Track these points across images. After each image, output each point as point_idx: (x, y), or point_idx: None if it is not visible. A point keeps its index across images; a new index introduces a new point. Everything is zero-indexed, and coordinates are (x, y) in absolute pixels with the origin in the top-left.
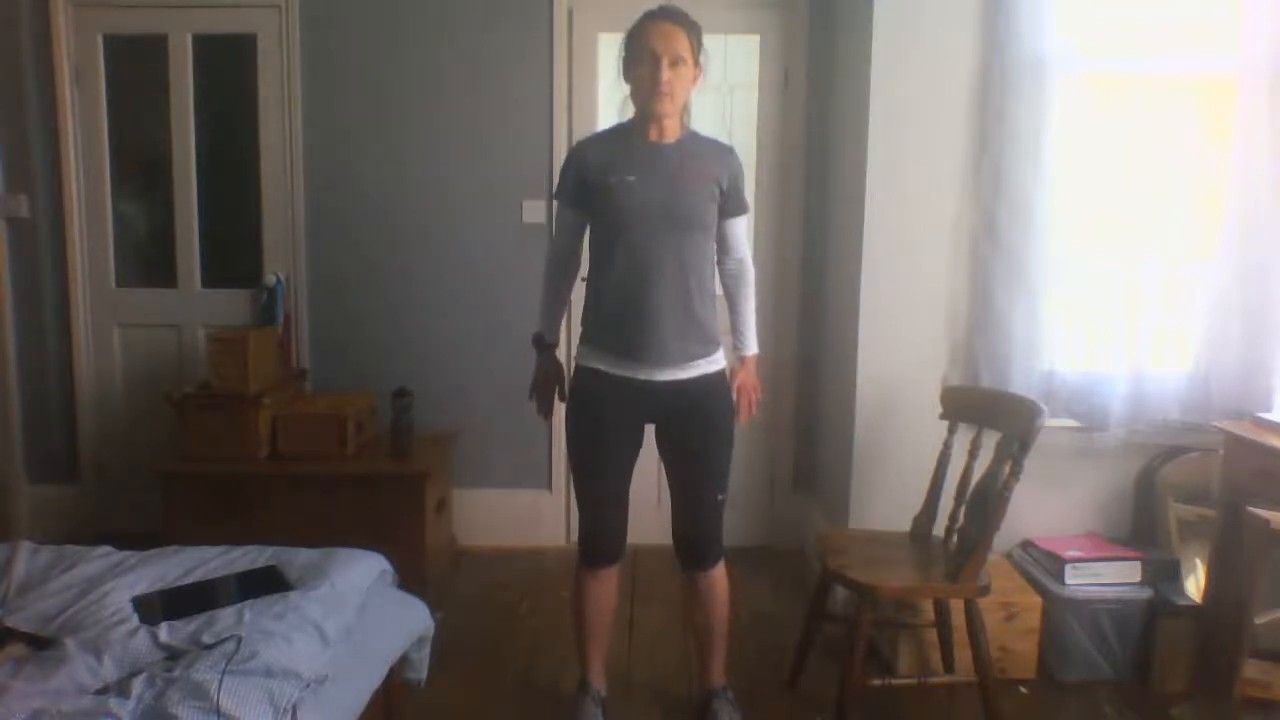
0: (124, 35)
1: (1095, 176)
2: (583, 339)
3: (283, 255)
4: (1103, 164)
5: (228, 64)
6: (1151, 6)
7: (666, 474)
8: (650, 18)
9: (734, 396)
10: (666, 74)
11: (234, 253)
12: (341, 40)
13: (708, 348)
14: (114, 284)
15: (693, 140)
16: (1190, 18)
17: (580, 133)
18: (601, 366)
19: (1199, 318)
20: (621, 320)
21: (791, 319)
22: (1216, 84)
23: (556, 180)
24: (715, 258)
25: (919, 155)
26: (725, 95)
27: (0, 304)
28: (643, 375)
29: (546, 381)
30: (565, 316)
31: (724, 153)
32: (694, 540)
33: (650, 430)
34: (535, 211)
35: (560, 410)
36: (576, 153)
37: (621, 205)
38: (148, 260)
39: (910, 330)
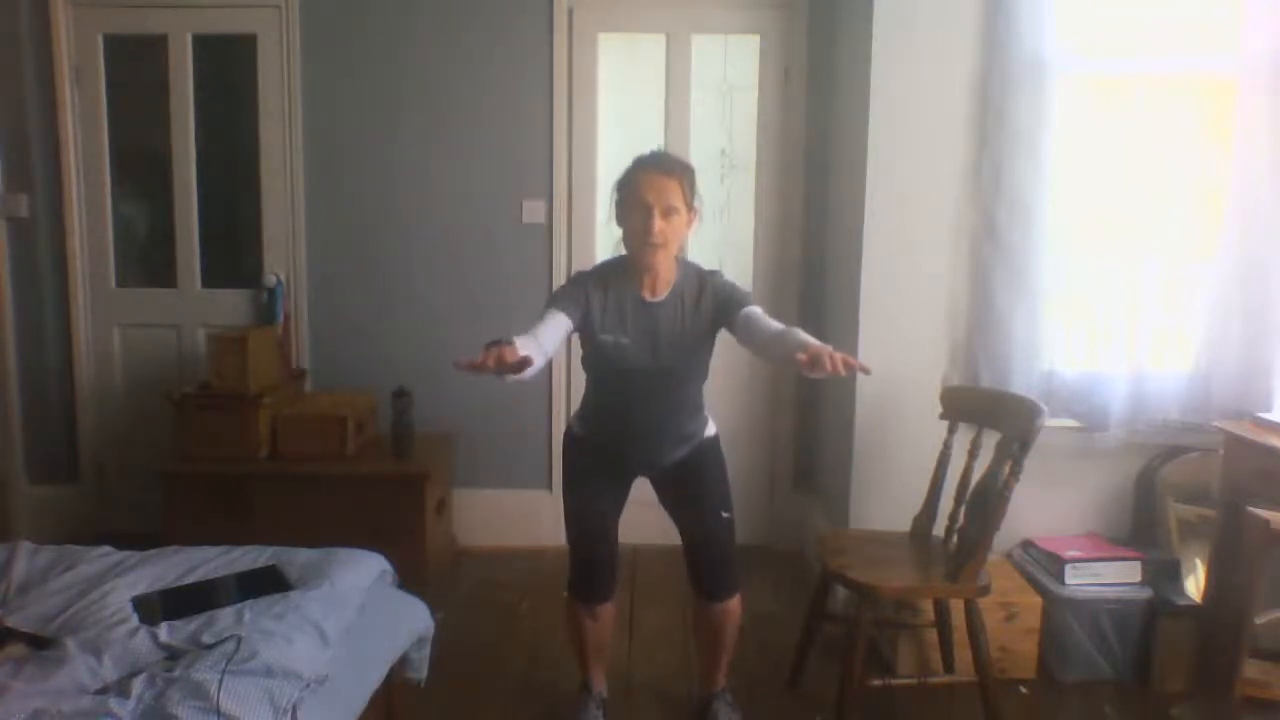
0: (124, 35)
1: (1095, 176)
2: (579, 416)
3: (283, 255)
4: (1103, 164)
5: (228, 64)
6: (1151, 6)
7: (668, 511)
8: (642, 167)
9: (824, 365)
10: (659, 224)
11: (234, 253)
12: (341, 40)
13: (697, 440)
14: (114, 284)
15: (682, 286)
16: (1190, 18)
17: (580, 132)
18: (595, 439)
19: (1199, 318)
20: (614, 427)
21: (791, 319)
22: (1216, 84)
23: (555, 291)
24: (708, 367)
25: (919, 155)
26: (725, 95)
27: (0, 304)
28: (636, 457)
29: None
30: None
31: (707, 284)
32: (709, 565)
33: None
34: (535, 211)
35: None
36: (582, 284)
37: (613, 363)
38: (148, 260)
39: (910, 330)
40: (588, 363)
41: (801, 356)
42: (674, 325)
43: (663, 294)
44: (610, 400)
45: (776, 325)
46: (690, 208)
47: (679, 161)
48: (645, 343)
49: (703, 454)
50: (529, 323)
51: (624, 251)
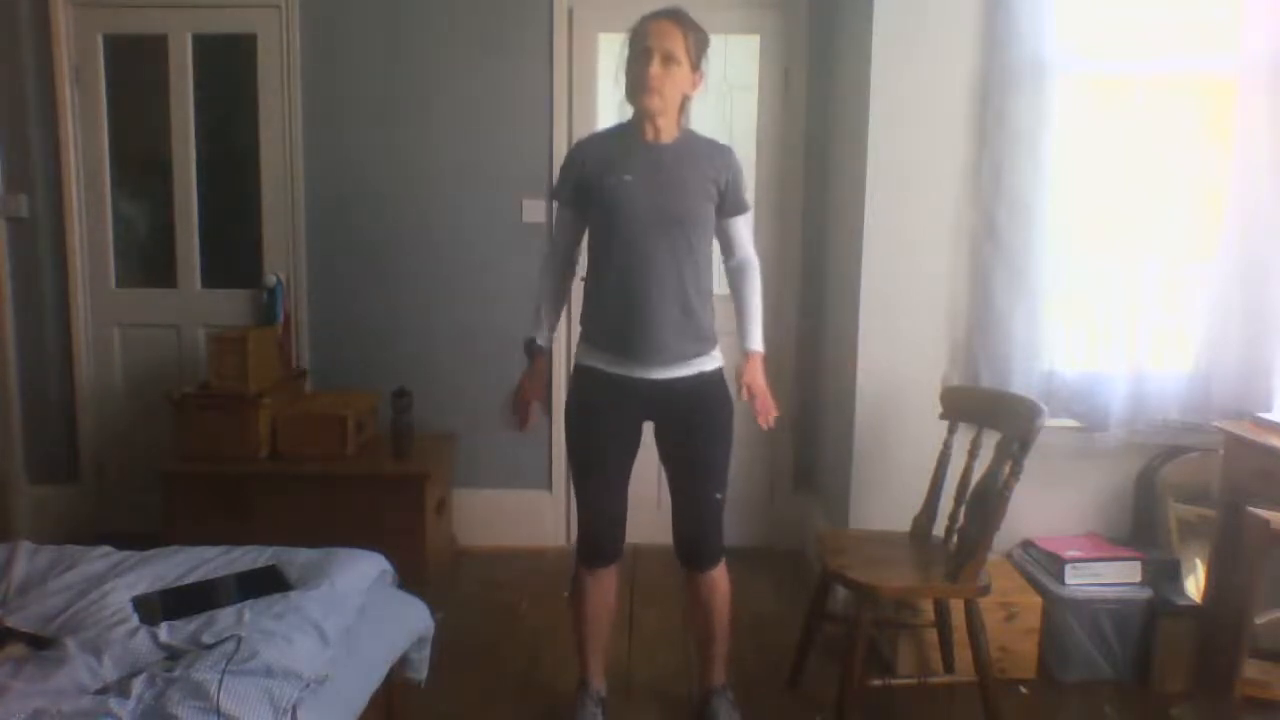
0: (124, 35)
1: (1095, 177)
2: (581, 337)
3: (283, 255)
4: (1103, 164)
5: (228, 64)
6: (1151, 7)
7: (666, 473)
8: (651, 15)
9: (741, 396)
10: (656, 69)
11: (234, 253)
12: (341, 40)
13: (704, 345)
14: (114, 284)
15: (690, 140)
16: (1190, 18)
17: (580, 132)
18: (599, 365)
19: (1199, 318)
20: (618, 318)
21: (791, 319)
22: (1216, 84)
23: (556, 179)
24: (712, 256)
25: (919, 155)
26: (725, 95)
27: (0, 304)
28: (639, 373)
29: (529, 387)
30: (563, 317)
31: (721, 152)
32: (693, 539)
33: (649, 429)
34: (535, 210)
35: (556, 415)
36: (575, 153)
37: (617, 204)
38: (148, 260)
39: (910, 330)
40: (592, 239)
41: (743, 392)
42: (678, 168)
43: (667, 140)
44: (615, 272)
45: (746, 251)
46: (696, 67)
47: (690, 18)
48: (651, 180)
49: (711, 399)
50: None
51: (628, 113)
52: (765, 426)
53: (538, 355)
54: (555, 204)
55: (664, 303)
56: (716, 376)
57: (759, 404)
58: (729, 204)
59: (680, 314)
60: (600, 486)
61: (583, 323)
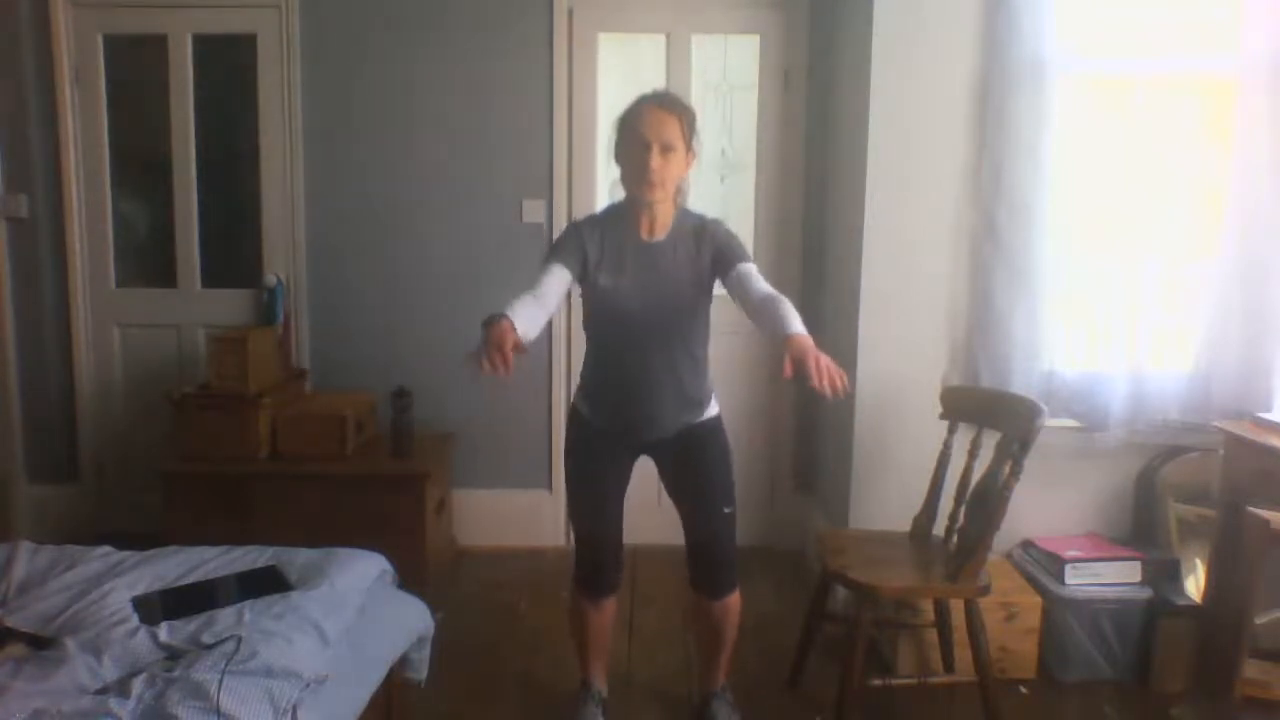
0: (124, 35)
1: (1095, 177)
2: (580, 390)
3: (283, 255)
4: (1103, 164)
5: (228, 64)
6: (1151, 6)
7: (673, 501)
8: (642, 102)
9: (785, 372)
10: (656, 161)
11: (234, 253)
12: (341, 40)
13: (696, 411)
14: (114, 284)
15: (681, 227)
16: (1190, 18)
17: (580, 132)
18: (595, 422)
19: (1199, 318)
20: (614, 397)
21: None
22: (1216, 84)
23: (553, 245)
24: (709, 326)
25: (919, 155)
26: (725, 95)
27: (0, 304)
28: (632, 436)
29: (497, 334)
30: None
31: (707, 229)
32: (708, 560)
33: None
34: (535, 211)
35: (556, 416)
36: (577, 232)
37: (611, 306)
38: (148, 260)
39: (910, 330)
40: (588, 317)
41: (786, 368)
42: (672, 268)
43: (661, 236)
44: (612, 356)
45: (766, 289)
46: (689, 148)
47: (680, 100)
48: (643, 285)
49: (706, 434)
50: (529, 282)
51: (621, 193)
52: (830, 395)
53: (502, 318)
54: (549, 259)
55: (658, 389)
56: (712, 423)
57: (822, 367)
58: (723, 261)
59: (674, 395)
60: (599, 523)
61: (582, 376)
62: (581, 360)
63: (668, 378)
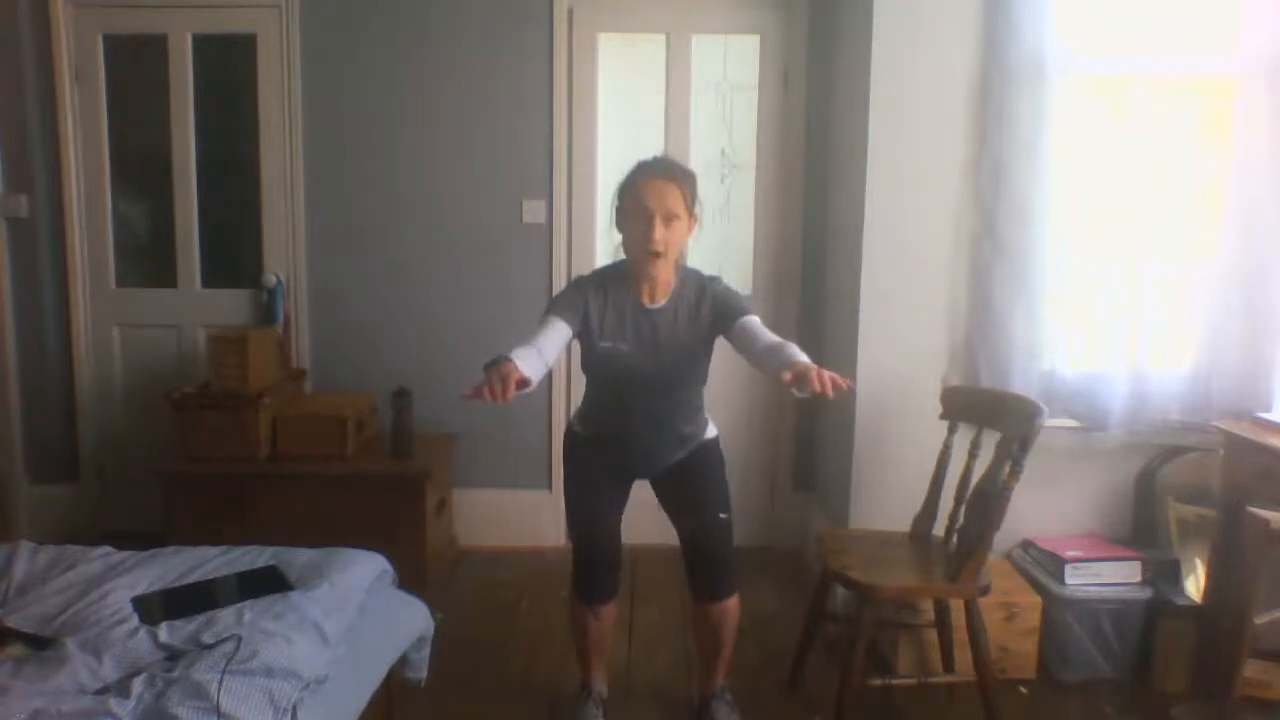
0: (124, 35)
1: (1095, 176)
2: (578, 416)
3: (283, 256)
4: (1103, 164)
5: (228, 64)
6: (1151, 6)
7: (666, 511)
8: (644, 173)
9: (794, 392)
10: (659, 232)
11: (234, 253)
12: (341, 40)
13: (695, 440)
14: (114, 284)
15: (681, 292)
16: (1190, 18)
17: (580, 132)
18: (592, 449)
19: (1199, 318)
20: (610, 439)
21: (791, 319)
22: (1216, 84)
23: (556, 298)
24: (707, 375)
25: (919, 155)
26: (725, 95)
27: (0, 304)
28: (628, 469)
29: (501, 373)
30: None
31: (707, 289)
32: (707, 565)
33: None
34: (535, 211)
35: (556, 416)
36: (581, 290)
37: (611, 369)
38: (148, 260)
39: (910, 330)
40: (587, 367)
41: (786, 376)
42: (673, 331)
43: (662, 300)
44: (609, 404)
45: (771, 338)
46: (691, 214)
47: (681, 168)
48: (644, 349)
49: (702, 454)
50: (529, 329)
51: (623, 257)
52: (833, 394)
53: (506, 361)
54: (548, 316)
55: (655, 437)
56: (711, 445)
57: (824, 374)
58: (725, 319)
59: (672, 433)
60: (598, 532)
61: (583, 405)
62: (580, 359)
63: (665, 428)
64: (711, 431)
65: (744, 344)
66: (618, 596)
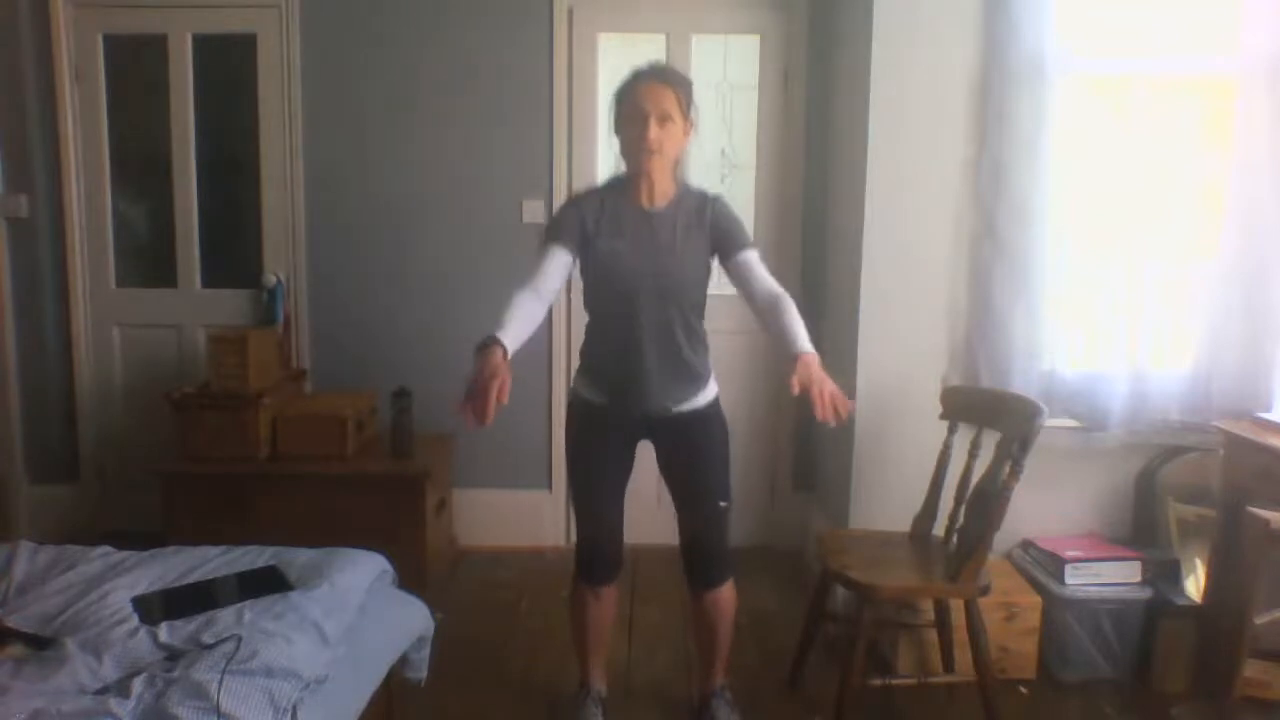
0: (124, 35)
1: (1095, 176)
2: (580, 369)
3: (283, 255)
4: (1103, 164)
5: (228, 64)
6: (1151, 6)
7: (669, 490)
8: (638, 77)
9: (793, 391)
10: (654, 132)
11: (234, 253)
12: (341, 40)
13: (697, 386)
14: (114, 284)
15: (682, 200)
16: (1190, 18)
17: (580, 132)
18: (595, 399)
19: (1199, 318)
20: (614, 369)
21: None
22: (1216, 84)
23: (550, 224)
24: (705, 300)
25: (919, 155)
26: (725, 95)
27: (0, 304)
28: (634, 410)
29: (488, 370)
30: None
31: (709, 205)
32: (701, 554)
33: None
34: (535, 211)
35: (556, 416)
36: (573, 207)
37: (611, 272)
38: (148, 260)
39: (910, 330)
40: (588, 289)
41: (792, 384)
42: (671, 236)
43: (661, 204)
44: (611, 324)
45: (768, 286)
46: (686, 119)
47: (676, 72)
48: (642, 250)
49: (707, 418)
50: (527, 265)
51: (623, 167)
52: (834, 422)
53: (496, 346)
54: (546, 243)
55: (658, 359)
56: (710, 407)
57: (825, 396)
58: (725, 244)
59: (674, 367)
60: (600, 507)
61: (582, 356)
62: (581, 300)
63: (667, 345)
64: (714, 389)
65: (742, 282)
66: (619, 578)
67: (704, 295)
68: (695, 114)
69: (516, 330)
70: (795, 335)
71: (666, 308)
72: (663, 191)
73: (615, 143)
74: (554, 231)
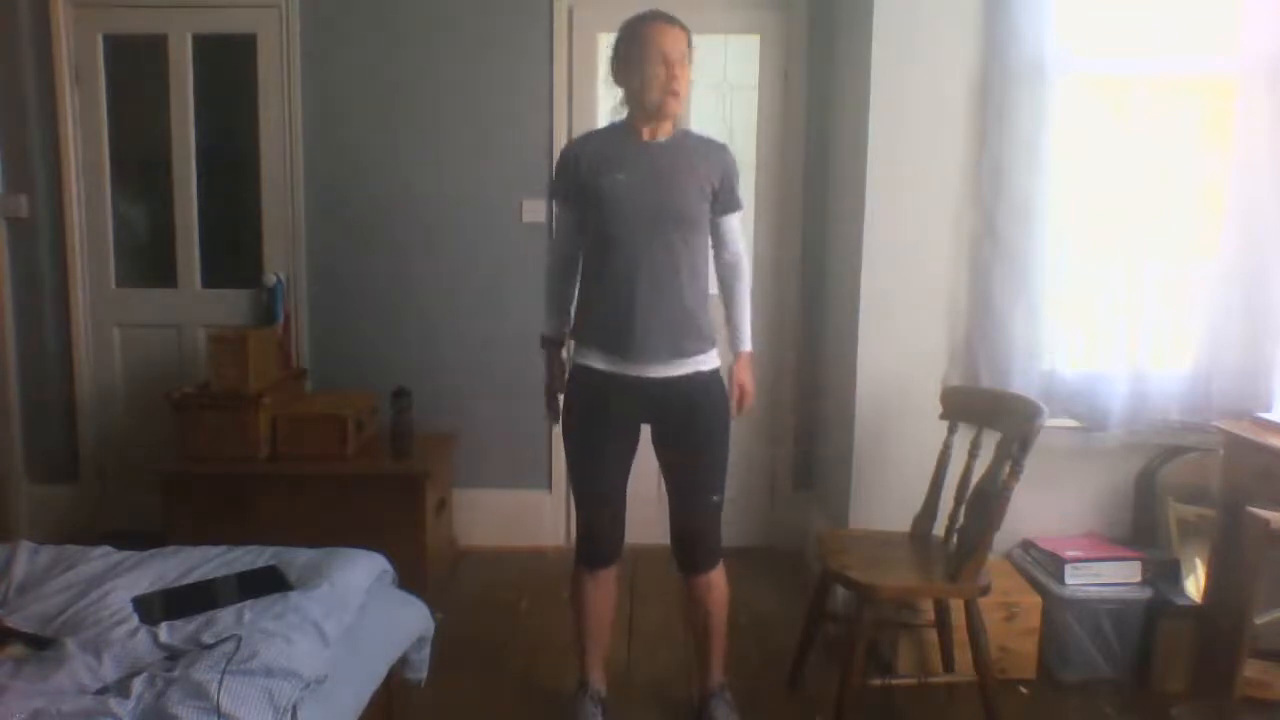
0: (124, 35)
1: (1095, 177)
2: (577, 338)
3: (283, 255)
4: (1103, 164)
5: (228, 64)
6: (1151, 7)
7: (664, 476)
8: (652, 20)
9: (732, 395)
10: (679, 70)
11: (234, 253)
12: (341, 40)
13: (701, 344)
14: (114, 284)
15: (685, 138)
16: (1190, 18)
17: (580, 132)
18: (595, 364)
19: (1199, 318)
20: (614, 316)
21: (792, 319)
22: (1216, 84)
23: (552, 179)
24: (709, 257)
25: (919, 155)
26: (725, 95)
27: (0, 304)
28: (635, 372)
29: (553, 384)
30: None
31: (716, 150)
32: (690, 543)
33: (647, 431)
34: (535, 211)
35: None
36: (568, 151)
37: (611, 203)
38: (148, 260)
39: (910, 330)
40: (589, 236)
41: (736, 390)
42: (672, 168)
43: (662, 138)
44: (608, 273)
45: (736, 252)
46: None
47: (679, 19)
48: (642, 179)
49: (708, 390)
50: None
51: (622, 114)
52: (733, 414)
53: (553, 346)
54: (554, 205)
55: (660, 300)
56: (713, 377)
57: (743, 399)
58: (722, 202)
59: (676, 312)
60: (599, 485)
61: (576, 323)
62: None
63: (668, 284)
64: (716, 358)
65: (717, 240)
66: (619, 559)
67: (706, 234)
68: (692, 56)
69: (564, 317)
70: (739, 328)
71: (668, 236)
72: (664, 129)
73: (617, 92)
74: (556, 190)
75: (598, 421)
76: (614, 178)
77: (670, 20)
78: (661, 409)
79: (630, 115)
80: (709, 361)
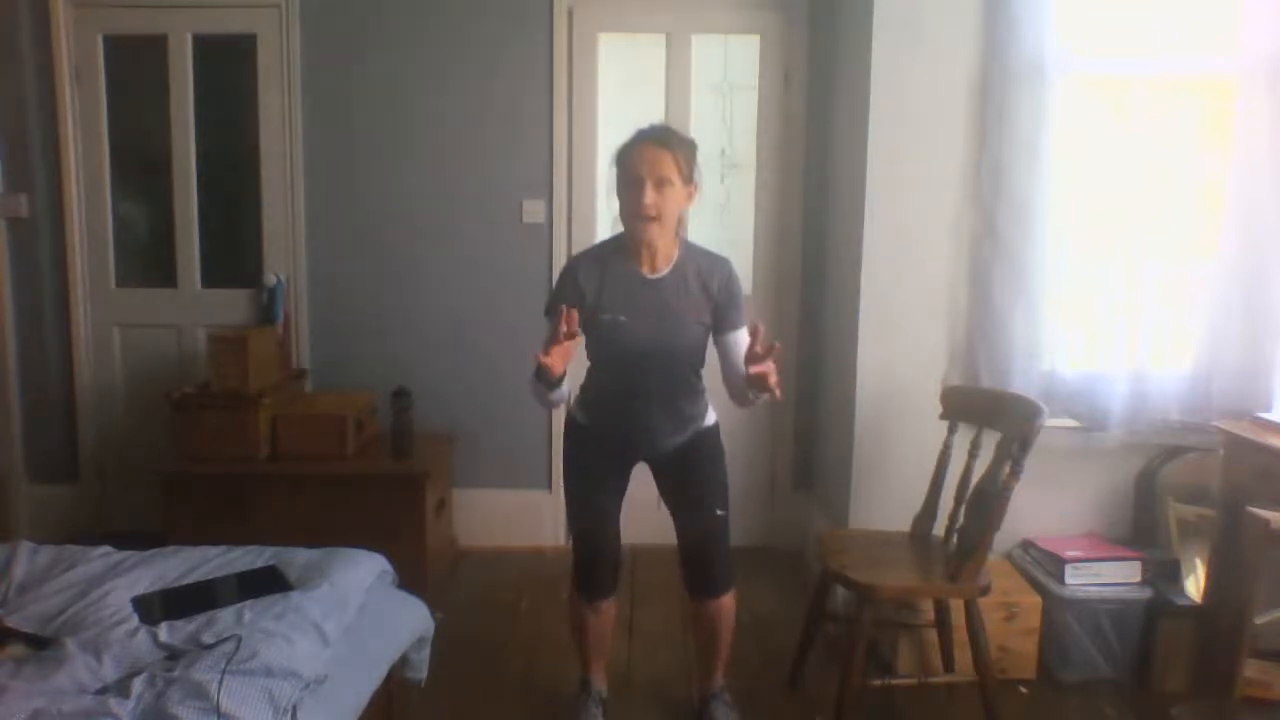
0: (124, 35)
1: (1095, 177)
2: (579, 402)
3: (283, 255)
4: (1103, 164)
5: (228, 64)
6: (1151, 7)
7: (665, 502)
8: (638, 139)
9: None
10: (650, 197)
11: (234, 253)
12: (341, 40)
13: (697, 424)
14: (114, 284)
15: (686, 262)
16: (1190, 18)
17: (580, 132)
18: (593, 428)
19: (1199, 318)
20: (614, 418)
21: (792, 319)
22: (1216, 84)
23: (552, 294)
24: (706, 353)
25: (919, 155)
26: (725, 95)
27: (0, 304)
28: (632, 446)
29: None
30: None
31: (717, 266)
32: (702, 562)
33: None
34: (535, 211)
35: (555, 415)
36: (572, 279)
37: (610, 342)
38: (148, 260)
39: (910, 330)
40: (589, 346)
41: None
42: (675, 303)
43: (664, 270)
44: (610, 383)
45: (738, 384)
46: (689, 181)
47: (677, 135)
48: (645, 320)
49: (703, 443)
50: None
51: (621, 229)
52: (772, 381)
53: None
54: (550, 320)
55: (655, 414)
56: (712, 433)
57: (772, 347)
58: (723, 320)
59: (674, 413)
60: (596, 525)
61: (583, 391)
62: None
63: (668, 407)
64: (712, 417)
65: (724, 358)
66: (617, 593)
67: (704, 355)
68: (699, 175)
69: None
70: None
71: (670, 372)
72: (665, 255)
73: (614, 203)
74: (557, 302)
75: (594, 469)
76: (615, 318)
77: (658, 138)
78: (657, 455)
79: (626, 235)
80: (705, 424)
